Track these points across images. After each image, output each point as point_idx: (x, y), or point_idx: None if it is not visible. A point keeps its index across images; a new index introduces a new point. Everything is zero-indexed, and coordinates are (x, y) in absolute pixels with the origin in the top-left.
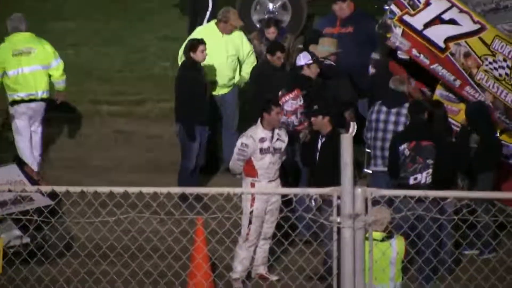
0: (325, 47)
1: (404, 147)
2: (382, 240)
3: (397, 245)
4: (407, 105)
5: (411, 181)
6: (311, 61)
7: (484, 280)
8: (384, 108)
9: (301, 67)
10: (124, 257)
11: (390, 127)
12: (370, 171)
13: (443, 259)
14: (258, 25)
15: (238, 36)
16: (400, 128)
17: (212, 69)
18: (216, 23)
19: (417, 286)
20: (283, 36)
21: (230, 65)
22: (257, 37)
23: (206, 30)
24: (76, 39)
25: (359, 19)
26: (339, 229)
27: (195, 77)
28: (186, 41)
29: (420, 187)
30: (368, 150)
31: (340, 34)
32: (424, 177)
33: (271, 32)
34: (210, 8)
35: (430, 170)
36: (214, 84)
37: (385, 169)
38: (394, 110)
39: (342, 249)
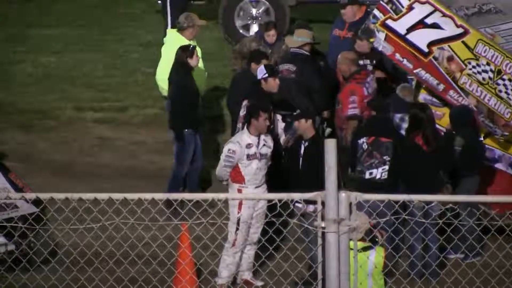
0: (299, 37)
1: (363, 141)
2: (360, 250)
3: (375, 257)
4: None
5: (367, 176)
6: (266, 75)
7: (469, 284)
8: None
9: (259, 81)
10: (109, 263)
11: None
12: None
13: (428, 263)
14: (241, 31)
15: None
16: (402, 133)
17: None
18: (180, 31)
19: None
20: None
21: (203, 71)
22: (255, 40)
23: (175, 43)
24: (59, 46)
25: None
26: (323, 234)
27: (192, 83)
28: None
29: (375, 182)
30: None
31: (345, 39)
32: (379, 172)
33: (271, 35)
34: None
35: (386, 167)
36: None
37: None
38: (398, 115)
39: (327, 253)
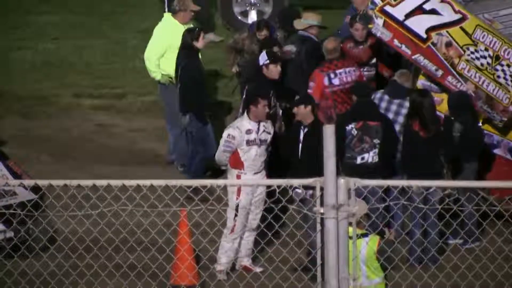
0: (306, 20)
1: (351, 127)
2: (359, 236)
3: (369, 243)
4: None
5: (358, 161)
6: (267, 61)
7: (468, 269)
8: (386, 97)
9: (261, 67)
10: (107, 250)
11: (390, 116)
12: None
13: (427, 249)
14: (239, 18)
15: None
16: (400, 118)
17: None
18: (173, 15)
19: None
20: (274, 34)
21: None
22: (248, 37)
23: (168, 26)
24: (57, 33)
25: None
26: (322, 220)
27: (200, 66)
28: (157, 40)
29: (367, 166)
30: None
31: None
32: (371, 156)
33: (263, 35)
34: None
35: (377, 150)
36: None
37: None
38: (396, 101)
39: (326, 239)
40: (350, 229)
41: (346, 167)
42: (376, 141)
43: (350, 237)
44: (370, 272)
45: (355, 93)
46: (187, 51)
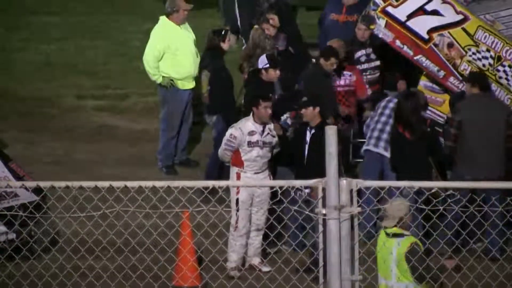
0: None
1: (286, 117)
2: (390, 236)
3: (401, 245)
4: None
5: None
6: (267, 65)
7: (469, 270)
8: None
9: (260, 71)
10: (109, 251)
11: None
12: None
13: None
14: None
15: (188, 27)
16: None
17: (180, 63)
18: (168, 17)
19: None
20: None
21: (195, 57)
22: (261, 31)
23: (164, 28)
24: (60, 33)
25: (364, 7)
26: (325, 221)
27: (226, 67)
28: (156, 41)
29: None
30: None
31: (346, 23)
32: None
33: (266, 28)
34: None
35: None
36: (183, 79)
37: (377, 149)
38: (387, 98)
39: (328, 240)
40: (395, 229)
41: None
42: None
43: (394, 235)
44: (400, 274)
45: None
46: (212, 52)
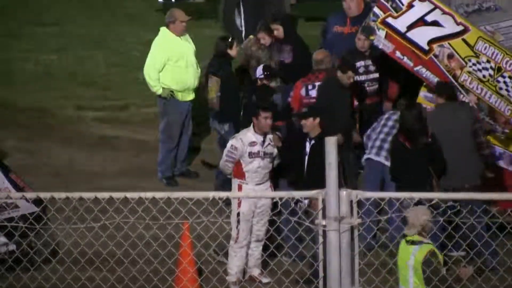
0: None
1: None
2: (409, 243)
3: (418, 253)
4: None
5: None
6: (262, 76)
7: (470, 282)
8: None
9: (256, 80)
10: (110, 262)
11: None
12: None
13: None
14: (240, 28)
15: (189, 38)
16: None
17: (181, 74)
18: (167, 27)
19: None
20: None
21: (195, 68)
22: (255, 42)
23: (165, 39)
24: (59, 44)
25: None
26: (324, 232)
27: (234, 73)
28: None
29: None
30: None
31: (351, 34)
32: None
33: (261, 37)
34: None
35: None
36: (183, 90)
37: (378, 158)
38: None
39: (328, 252)
40: (416, 236)
41: None
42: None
43: (412, 242)
44: (418, 282)
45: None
46: (220, 60)
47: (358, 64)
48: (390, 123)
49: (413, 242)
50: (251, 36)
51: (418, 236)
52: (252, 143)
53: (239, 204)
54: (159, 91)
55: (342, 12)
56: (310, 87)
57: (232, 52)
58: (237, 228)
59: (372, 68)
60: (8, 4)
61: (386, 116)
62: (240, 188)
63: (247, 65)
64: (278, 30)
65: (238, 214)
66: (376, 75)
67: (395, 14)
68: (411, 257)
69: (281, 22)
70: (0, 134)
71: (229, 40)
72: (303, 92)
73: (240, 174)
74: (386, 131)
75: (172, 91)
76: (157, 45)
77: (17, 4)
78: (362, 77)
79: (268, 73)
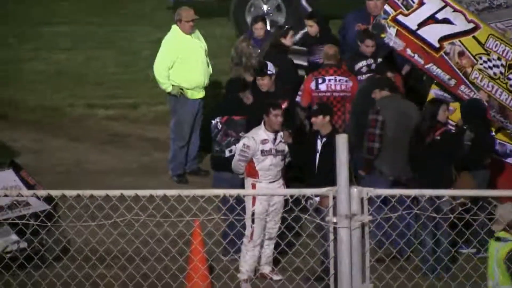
0: None
1: (217, 121)
2: (495, 239)
3: (501, 249)
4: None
5: (227, 154)
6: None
7: (480, 279)
8: None
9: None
10: (121, 260)
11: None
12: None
13: (440, 258)
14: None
15: (200, 35)
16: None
17: (190, 72)
18: (177, 25)
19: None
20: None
21: (205, 66)
22: (245, 40)
23: (175, 37)
24: (68, 43)
25: None
26: (335, 229)
27: (291, 62)
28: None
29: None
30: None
31: None
32: None
33: (259, 28)
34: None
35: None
36: (193, 88)
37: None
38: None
39: (339, 249)
40: (502, 233)
41: (215, 161)
42: (242, 134)
43: (498, 238)
44: (502, 278)
45: (227, 89)
46: (276, 49)
47: (360, 64)
48: None
49: (498, 239)
50: (242, 37)
51: (506, 233)
52: (264, 141)
53: (253, 203)
54: (169, 89)
55: (364, 10)
56: (320, 80)
57: (287, 41)
58: (251, 227)
59: (374, 67)
60: (19, 4)
61: None
62: (254, 187)
63: (239, 62)
64: (312, 27)
65: (253, 213)
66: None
67: (406, 12)
68: (495, 253)
69: (316, 20)
70: (11, 133)
71: (285, 29)
72: (312, 85)
73: (253, 173)
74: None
75: (182, 89)
76: (167, 43)
77: (27, 4)
78: (365, 77)
79: (261, 70)
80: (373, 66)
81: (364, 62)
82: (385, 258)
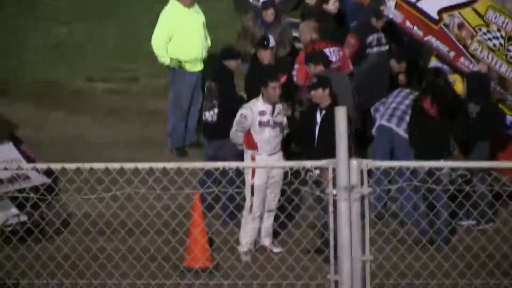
0: None
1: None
2: None
3: None
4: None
5: (205, 117)
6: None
7: (481, 250)
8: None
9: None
10: (121, 233)
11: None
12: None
13: (440, 229)
14: (251, 1)
15: (199, 8)
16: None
17: (188, 45)
18: None
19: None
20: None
21: (203, 39)
22: (252, 18)
23: (173, 10)
24: (68, 16)
25: None
26: (335, 201)
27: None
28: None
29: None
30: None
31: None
32: (210, 115)
33: (270, 14)
34: None
35: (216, 110)
36: (191, 61)
37: (389, 124)
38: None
39: (338, 221)
40: None
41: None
42: (215, 101)
43: None
44: None
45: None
46: (319, 16)
47: (371, 37)
48: (402, 94)
49: None
50: (250, 14)
51: None
52: (262, 112)
53: (252, 175)
54: (167, 62)
55: None
56: None
57: (330, 7)
58: (251, 199)
59: (383, 40)
60: None
61: (395, 92)
62: (253, 158)
63: (244, 38)
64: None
65: (252, 185)
66: (387, 47)
67: None
68: None
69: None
70: (11, 106)
71: None
72: None
73: (252, 145)
74: (398, 101)
75: (180, 62)
76: (165, 16)
77: None
78: (375, 49)
79: (265, 42)
80: (383, 39)
81: (374, 35)
82: (385, 230)
